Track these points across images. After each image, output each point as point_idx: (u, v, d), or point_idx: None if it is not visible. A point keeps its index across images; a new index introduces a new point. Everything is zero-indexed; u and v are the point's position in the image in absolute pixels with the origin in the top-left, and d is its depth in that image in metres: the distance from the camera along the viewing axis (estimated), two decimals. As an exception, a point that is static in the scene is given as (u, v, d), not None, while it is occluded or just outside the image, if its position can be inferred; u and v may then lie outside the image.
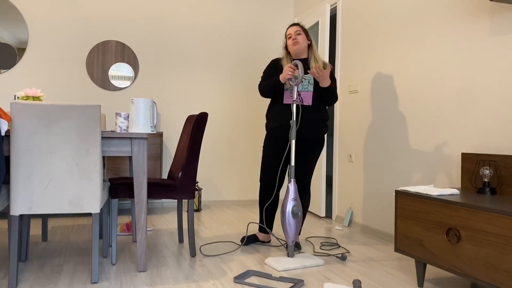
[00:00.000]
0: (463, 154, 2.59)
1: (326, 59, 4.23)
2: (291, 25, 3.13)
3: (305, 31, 3.10)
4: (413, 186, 3.11)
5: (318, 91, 3.01)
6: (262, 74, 3.43)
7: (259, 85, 3.16)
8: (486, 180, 2.35)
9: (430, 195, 2.24)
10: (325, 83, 2.94)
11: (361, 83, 3.85)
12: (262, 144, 5.18)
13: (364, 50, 3.81)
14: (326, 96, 3.02)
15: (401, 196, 2.42)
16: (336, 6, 4.31)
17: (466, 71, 2.75)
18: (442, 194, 2.25)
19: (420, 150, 3.13)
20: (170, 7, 4.83)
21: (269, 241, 3.26)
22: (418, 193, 2.31)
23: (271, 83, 3.04)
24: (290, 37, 3.08)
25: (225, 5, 5.03)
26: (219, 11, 5.01)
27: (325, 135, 4.19)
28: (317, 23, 4.46)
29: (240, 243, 3.22)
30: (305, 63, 3.07)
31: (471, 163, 2.52)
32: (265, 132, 5.08)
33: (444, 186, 2.90)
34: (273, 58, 3.21)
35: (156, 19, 4.77)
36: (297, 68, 2.88)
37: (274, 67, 3.14)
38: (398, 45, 3.38)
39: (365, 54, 3.79)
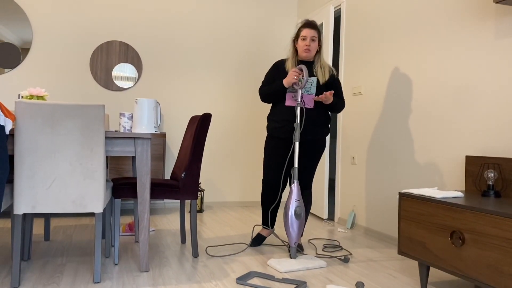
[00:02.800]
0: (467, 156, 2.58)
1: (330, 61, 4.23)
2: (309, 25, 3.01)
3: (320, 35, 3.04)
4: (416, 188, 3.10)
5: (325, 105, 3.06)
6: (264, 77, 3.43)
7: (260, 90, 3.14)
8: (490, 183, 2.34)
9: (434, 197, 2.23)
10: (329, 101, 2.98)
11: (365, 85, 3.84)
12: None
13: (368, 52, 3.80)
14: (332, 109, 3.10)
15: (405, 199, 2.41)
16: (340, 8, 4.31)
17: (471, 73, 2.74)
18: (446, 196, 2.24)
19: (424, 152, 3.12)
20: (174, 8, 4.83)
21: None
22: (422, 195, 2.31)
23: (273, 87, 3.04)
24: (304, 39, 3.00)
25: (229, 7, 5.04)
26: (223, 13, 5.01)
27: (327, 137, 4.20)
28: (321, 25, 4.46)
29: (247, 245, 3.23)
30: (310, 66, 3.06)
31: (475, 166, 2.51)
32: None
33: (448, 188, 2.89)
34: (276, 61, 3.18)
35: (160, 20, 4.78)
36: (302, 73, 2.88)
37: (277, 70, 3.12)
38: (402, 47, 3.37)
39: (369, 56, 3.79)
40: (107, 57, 4.59)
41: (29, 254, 2.69)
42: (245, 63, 5.08)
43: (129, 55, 4.66)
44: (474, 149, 2.69)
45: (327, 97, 2.89)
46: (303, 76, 2.86)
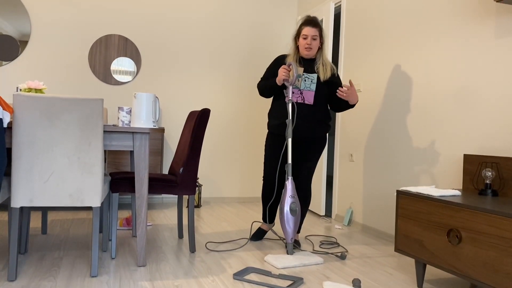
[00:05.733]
0: (465, 155, 2.59)
1: (330, 58, 4.22)
2: (309, 23, 2.96)
3: (321, 32, 2.99)
4: (414, 186, 3.11)
5: (337, 102, 3.05)
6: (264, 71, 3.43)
7: (258, 84, 3.16)
8: (488, 181, 2.34)
9: (431, 195, 2.24)
10: (354, 99, 2.94)
11: (364, 82, 3.84)
12: (264, 142, 5.18)
13: (368, 49, 3.80)
14: (342, 107, 3.07)
15: (403, 196, 2.41)
16: (340, 5, 4.30)
17: (471, 71, 2.74)
18: (444, 195, 2.24)
19: (422, 150, 3.12)
20: (174, 3, 4.81)
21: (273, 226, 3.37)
22: (420, 193, 2.31)
23: (268, 84, 3.06)
24: (305, 38, 2.96)
25: (229, 3, 5.02)
26: (223, 9, 4.99)
27: (327, 134, 4.20)
28: (321, 21, 4.45)
29: (247, 239, 3.25)
30: (312, 63, 3.05)
31: (473, 164, 2.52)
32: (267, 131, 5.08)
33: (445, 187, 2.90)
34: (278, 55, 3.17)
35: (159, 14, 4.76)
36: (291, 69, 2.89)
37: (278, 65, 3.12)
38: (402, 45, 3.37)
39: (369, 53, 3.78)
40: (106, 50, 4.57)
41: (26, 248, 2.68)
42: (245, 59, 5.07)
43: (128, 49, 4.64)
44: (472, 148, 2.70)
45: (347, 89, 2.86)
46: (293, 72, 2.87)
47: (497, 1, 2.30)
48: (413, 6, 3.26)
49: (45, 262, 2.53)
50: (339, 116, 4.22)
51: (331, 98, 3.09)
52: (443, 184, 2.91)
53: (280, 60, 3.13)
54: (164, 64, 4.79)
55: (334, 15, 4.54)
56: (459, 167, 2.79)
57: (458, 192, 2.30)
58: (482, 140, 2.62)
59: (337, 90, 2.89)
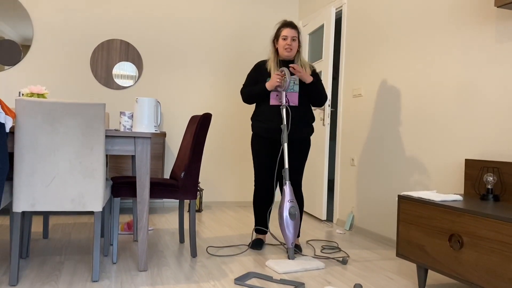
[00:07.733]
0: (466, 160, 2.59)
1: (331, 62, 4.23)
2: (288, 25, 3.02)
3: (299, 35, 3.06)
4: (416, 191, 3.10)
5: (306, 91, 3.04)
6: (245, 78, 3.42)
7: (242, 91, 3.15)
8: (489, 186, 2.34)
9: (433, 200, 2.23)
10: (306, 78, 2.96)
11: (365, 87, 3.84)
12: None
13: (369, 54, 3.81)
14: (314, 93, 3.03)
15: (404, 201, 2.41)
16: (341, 9, 4.31)
17: (472, 77, 2.74)
18: (445, 200, 2.24)
19: (423, 155, 3.12)
20: (175, 8, 4.83)
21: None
22: (421, 198, 2.31)
23: (256, 91, 3.05)
24: (285, 39, 3.00)
25: (230, 7, 5.04)
26: (224, 12, 5.01)
27: (326, 138, 4.21)
28: (322, 26, 4.46)
29: (247, 246, 3.22)
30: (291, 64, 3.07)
31: (475, 169, 2.52)
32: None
33: (447, 192, 2.90)
34: (257, 61, 3.20)
35: (161, 19, 4.78)
36: (285, 75, 2.91)
37: (259, 71, 3.12)
38: (403, 49, 3.38)
39: (370, 58, 3.79)
40: (107, 55, 4.59)
41: (27, 252, 2.69)
42: (247, 63, 5.08)
43: (130, 53, 4.66)
44: (473, 153, 2.70)
45: (296, 68, 2.88)
46: (285, 78, 2.89)
47: (497, 7, 2.31)
48: (414, 11, 3.27)
49: (46, 266, 2.53)
50: (340, 120, 4.22)
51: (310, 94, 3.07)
52: (445, 189, 2.91)
53: (260, 66, 3.13)
54: (165, 69, 4.80)
55: (335, 19, 4.55)
56: (461, 172, 2.79)
57: (459, 197, 2.30)
58: (483, 145, 2.62)
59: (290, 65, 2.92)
